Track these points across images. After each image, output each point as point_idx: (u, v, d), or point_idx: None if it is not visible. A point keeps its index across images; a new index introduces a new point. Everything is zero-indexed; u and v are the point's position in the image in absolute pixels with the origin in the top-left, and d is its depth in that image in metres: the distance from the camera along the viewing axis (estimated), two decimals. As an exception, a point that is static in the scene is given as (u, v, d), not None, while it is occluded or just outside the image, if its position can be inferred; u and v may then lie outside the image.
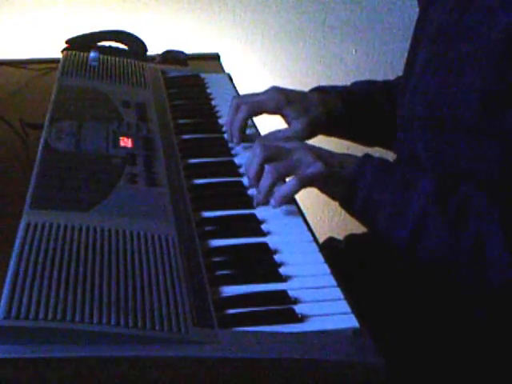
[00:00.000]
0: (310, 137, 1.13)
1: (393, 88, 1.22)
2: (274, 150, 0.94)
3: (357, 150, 1.23)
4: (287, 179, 0.94)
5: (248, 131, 1.14)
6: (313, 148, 0.94)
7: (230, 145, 1.12)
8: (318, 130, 1.14)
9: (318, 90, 1.21)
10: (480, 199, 0.86)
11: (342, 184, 0.91)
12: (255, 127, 1.18)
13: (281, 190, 0.91)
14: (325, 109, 1.14)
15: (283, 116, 1.13)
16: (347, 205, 0.93)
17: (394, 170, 0.91)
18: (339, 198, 0.93)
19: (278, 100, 1.12)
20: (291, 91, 1.15)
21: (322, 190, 0.94)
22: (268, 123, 1.22)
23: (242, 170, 1.04)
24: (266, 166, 0.92)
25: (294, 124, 1.12)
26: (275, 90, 1.14)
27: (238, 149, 1.11)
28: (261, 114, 1.13)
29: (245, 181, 1.00)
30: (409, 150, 1.01)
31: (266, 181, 0.92)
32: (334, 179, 0.91)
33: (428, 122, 0.95)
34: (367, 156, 0.93)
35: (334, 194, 0.94)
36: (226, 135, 1.15)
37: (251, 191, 0.97)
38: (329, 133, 1.19)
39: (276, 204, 0.92)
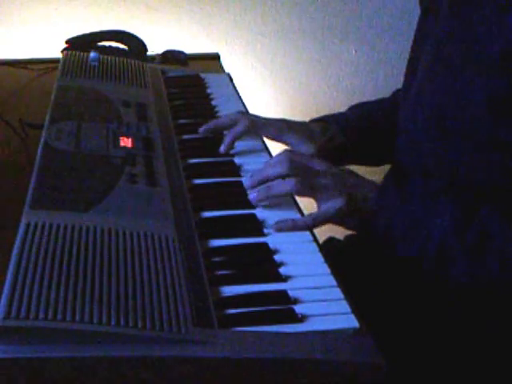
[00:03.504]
0: None
1: (390, 106, 1.22)
2: (301, 169, 0.93)
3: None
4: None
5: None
6: (340, 175, 0.94)
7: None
8: (323, 158, 1.14)
9: (316, 120, 1.21)
10: (500, 220, 0.86)
11: (361, 216, 0.91)
12: (262, 141, 1.16)
13: (292, 224, 0.90)
14: (327, 137, 1.14)
15: (285, 143, 1.13)
16: (366, 236, 0.92)
17: (414, 198, 0.91)
18: (357, 229, 0.94)
19: (278, 127, 1.11)
20: (293, 121, 1.15)
21: (337, 224, 0.94)
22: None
23: (242, 170, 1.04)
24: (292, 178, 0.92)
25: (302, 149, 1.11)
26: (277, 119, 1.15)
27: (238, 149, 1.11)
28: (260, 134, 1.13)
29: (245, 181, 1.00)
30: (412, 155, 1.00)
31: (282, 187, 0.93)
32: (354, 213, 0.91)
33: (433, 127, 0.95)
34: (384, 186, 0.93)
35: (351, 227, 0.95)
36: (201, 130, 1.14)
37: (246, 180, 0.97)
38: (333, 161, 1.18)
39: (279, 231, 0.90)
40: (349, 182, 0.93)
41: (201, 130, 1.14)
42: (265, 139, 1.16)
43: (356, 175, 0.96)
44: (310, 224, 0.91)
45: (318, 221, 0.91)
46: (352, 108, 1.26)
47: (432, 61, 0.97)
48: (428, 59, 0.99)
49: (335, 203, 0.91)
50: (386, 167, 1.20)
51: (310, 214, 0.92)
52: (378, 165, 1.27)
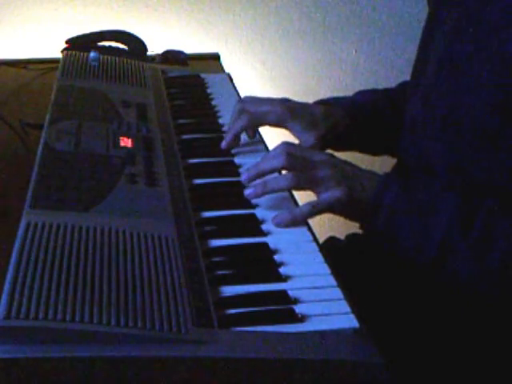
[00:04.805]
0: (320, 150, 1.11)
1: (396, 95, 1.21)
2: (299, 162, 0.92)
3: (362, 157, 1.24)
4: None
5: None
6: (338, 165, 0.93)
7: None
8: (326, 144, 1.13)
9: (322, 102, 1.19)
10: (504, 217, 0.86)
11: (362, 207, 0.90)
12: (263, 141, 1.16)
13: (291, 214, 0.90)
14: (330, 123, 1.12)
15: (288, 129, 1.11)
16: (367, 227, 0.92)
17: (416, 190, 0.90)
18: (358, 220, 0.93)
19: (280, 113, 1.09)
20: (296, 104, 1.13)
21: (337, 214, 0.93)
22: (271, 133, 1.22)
23: (242, 170, 1.04)
24: (289, 173, 0.91)
25: (304, 137, 1.10)
26: (280, 102, 1.12)
27: (238, 149, 1.11)
28: (262, 125, 1.12)
29: (242, 175, 0.99)
30: (418, 153, 1.00)
31: (279, 182, 0.92)
32: (353, 204, 0.90)
33: (441, 125, 0.94)
34: (388, 177, 0.92)
35: (351, 217, 0.93)
36: (223, 145, 1.11)
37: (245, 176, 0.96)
38: (335, 147, 1.17)
39: (279, 225, 0.90)
40: (348, 172, 0.92)
41: (223, 145, 1.10)
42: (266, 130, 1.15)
43: (355, 166, 0.95)
44: (308, 213, 0.90)
45: (316, 209, 0.90)
46: (358, 93, 1.25)
47: (441, 58, 0.96)
48: (437, 57, 0.98)
49: (334, 193, 0.90)
50: (386, 161, 1.19)
51: (309, 203, 0.91)
52: (378, 154, 1.26)
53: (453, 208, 0.87)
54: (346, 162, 0.95)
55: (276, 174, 0.95)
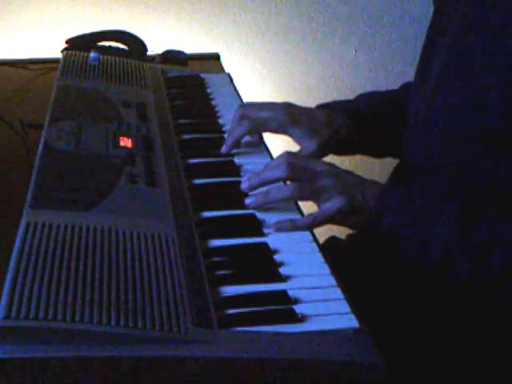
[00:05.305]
0: (321, 157, 1.10)
1: (398, 98, 1.20)
2: (301, 172, 0.92)
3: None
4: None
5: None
6: (340, 175, 0.93)
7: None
8: (328, 150, 1.13)
9: (323, 106, 1.18)
10: (506, 225, 0.86)
11: (363, 217, 0.91)
12: (265, 146, 1.15)
13: (292, 224, 0.90)
14: (332, 129, 1.11)
15: (289, 136, 1.11)
16: (368, 236, 0.92)
17: (418, 198, 0.90)
18: (359, 229, 0.93)
19: (281, 120, 1.09)
20: (298, 110, 1.12)
21: (339, 224, 0.93)
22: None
23: (242, 170, 1.04)
24: (292, 184, 0.92)
25: (305, 144, 1.10)
26: (281, 108, 1.10)
27: (237, 149, 1.10)
28: (262, 132, 1.12)
29: (243, 183, 0.99)
30: (422, 154, 1.00)
31: (281, 193, 0.92)
32: (354, 213, 0.91)
33: (447, 127, 0.94)
34: (389, 186, 0.92)
35: (353, 227, 0.94)
36: (224, 150, 1.11)
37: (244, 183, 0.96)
38: (338, 151, 1.17)
39: (279, 231, 0.90)
40: (349, 182, 0.93)
41: (223, 150, 1.09)
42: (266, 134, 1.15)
43: (357, 175, 0.95)
44: (309, 224, 0.91)
45: (317, 221, 0.91)
46: (360, 96, 1.24)
47: (446, 61, 0.96)
48: (442, 59, 0.97)
49: (335, 203, 0.90)
50: (386, 164, 1.19)
51: (310, 214, 0.92)
52: (380, 156, 1.26)
53: (455, 218, 0.87)
54: (347, 172, 0.95)
55: (278, 184, 0.95)
